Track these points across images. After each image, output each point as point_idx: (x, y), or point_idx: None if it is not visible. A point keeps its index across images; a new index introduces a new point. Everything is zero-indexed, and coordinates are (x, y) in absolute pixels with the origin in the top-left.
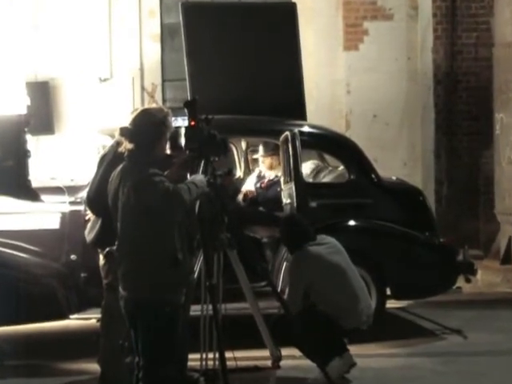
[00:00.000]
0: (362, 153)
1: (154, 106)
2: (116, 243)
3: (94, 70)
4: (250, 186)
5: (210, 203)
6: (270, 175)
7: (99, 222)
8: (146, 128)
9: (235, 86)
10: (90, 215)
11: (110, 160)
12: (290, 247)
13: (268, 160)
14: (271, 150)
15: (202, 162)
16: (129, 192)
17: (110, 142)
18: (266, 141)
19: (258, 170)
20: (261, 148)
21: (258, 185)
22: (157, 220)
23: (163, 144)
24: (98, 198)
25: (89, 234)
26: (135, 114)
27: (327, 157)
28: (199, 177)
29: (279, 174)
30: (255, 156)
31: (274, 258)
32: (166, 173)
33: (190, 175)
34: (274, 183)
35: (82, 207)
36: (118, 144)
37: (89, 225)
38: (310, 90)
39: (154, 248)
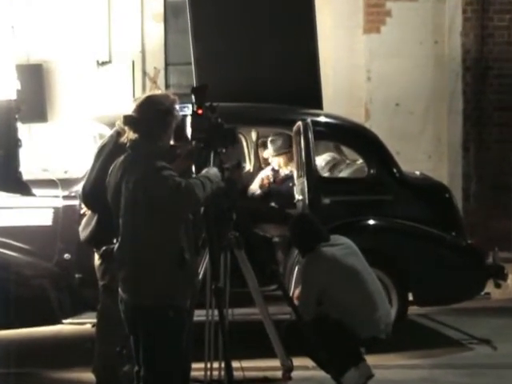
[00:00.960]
0: (383, 145)
1: (159, 92)
2: (116, 242)
3: (91, 52)
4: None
5: (216, 198)
6: (284, 172)
7: (95, 218)
8: (152, 116)
9: (245, 71)
10: (84, 210)
11: (109, 151)
12: (300, 249)
13: (278, 160)
14: (281, 149)
15: (211, 153)
16: (134, 187)
17: (107, 131)
18: (273, 139)
19: (270, 166)
20: (269, 146)
21: (272, 179)
22: (165, 218)
23: (169, 134)
24: (94, 192)
25: (83, 231)
26: (140, 100)
27: (345, 149)
28: (213, 170)
29: (292, 169)
30: (265, 155)
31: (286, 260)
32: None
33: (196, 169)
34: (288, 178)
35: (76, 202)
36: (118, 134)
37: (83, 221)
38: (327, 76)
39: (160, 248)
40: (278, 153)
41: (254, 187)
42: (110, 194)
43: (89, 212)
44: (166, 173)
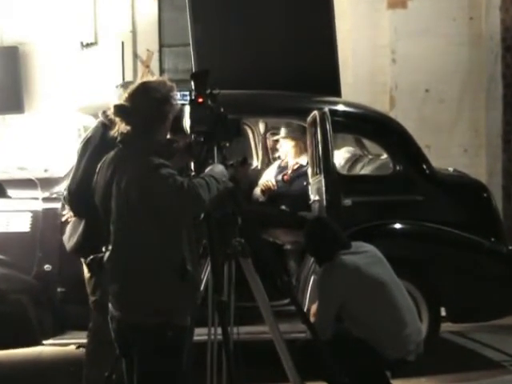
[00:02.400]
0: (411, 137)
1: (154, 78)
2: (106, 251)
3: (74, 33)
4: (269, 177)
5: (219, 200)
6: (293, 164)
7: (82, 224)
8: (147, 106)
9: (251, 54)
10: (67, 216)
11: (95, 146)
12: (317, 257)
13: (291, 143)
14: (295, 132)
15: (214, 148)
16: (128, 188)
17: (94, 124)
18: (288, 122)
19: (279, 160)
20: (283, 129)
21: (280, 177)
22: (164, 224)
23: (167, 126)
24: (81, 194)
25: (69, 240)
26: (133, 88)
27: (367, 143)
28: (219, 168)
29: (304, 162)
30: (276, 137)
31: (300, 270)
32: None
33: (196, 166)
34: (300, 175)
35: (58, 205)
36: (104, 125)
37: (68, 228)
38: (346, 58)
39: (158, 258)
40: (291, 135)
41: (258, 192)
42: (99, 195)
43: (72, 218)
44: (164, 171)
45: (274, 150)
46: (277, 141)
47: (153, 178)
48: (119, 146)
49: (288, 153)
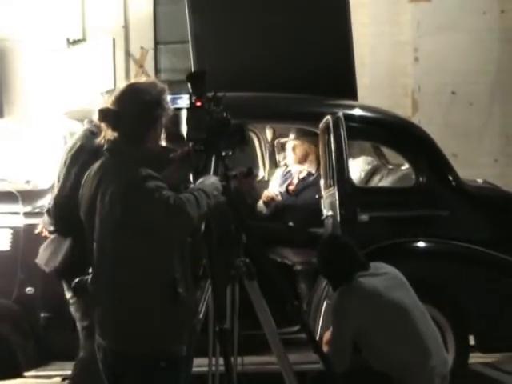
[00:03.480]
0: (436, 145)
1: (144, 79)
2: (90, 272)
3: (60, 28)
4: (273, 187)
5: (221, 216)
6: (298, 171)
7: (67, 243)
8: (136, 110)
9: (257, 52)
10: (43, 230)
11: (88, 155)
12: (332, 280)
13: (300, 147)
14: (305, 135)
15: (213, 157)
16: (111, 201)
17: (80, 131)
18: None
19: (282, 168)
20: (291, 133)
21: (284, 187)
22: (152, 242)
23: (158, 133)
24: (69, 209)
25: (50, 259)
26: (120, 90)
27: (386, 151)
28: (211, 180)
29: (313, 170)
30: (283, 140)
31: (311, 294)
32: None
33: (194, 176)
34: (309, 185)
35: (41, 220)
36: (94, 134)
37: (47, 245)
38: (363, 56)
39: (147, 280)
40: (300, 138)
41: (261, 206)
42: (83, 210)
43: (51, 234)
44: (151, 184)
45: (282, 155)
46: (284, 145)
47: (138, 192)
48: (106, 154)
49: (294, 158)
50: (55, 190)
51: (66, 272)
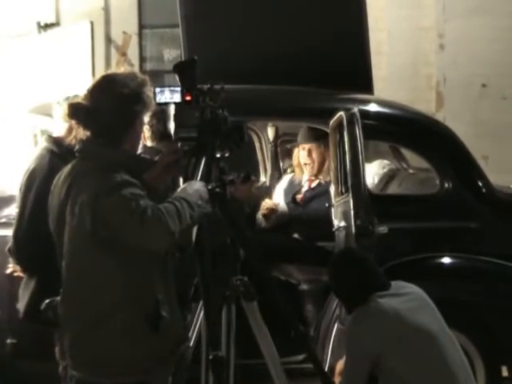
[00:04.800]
0: (463, 146)
1: (123, 69)
2: (60, 296)
3: (30, 11)
4: (278, 197)
5: (214, 227)
6: (310, 180)
7: (33, 282)
8: (112, 105)
9: (259, 39)
10: (14, 269)
11: (44, 176)
12: (345, 301)
13: (316, 151)
14: (318, 138)
15: (203, 160)
16: (81, 211)
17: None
18: (308, 125)
19: (290, 174)
20: (301, 133)
21: (290, 196)
22: (128, 259)
23: (138, 131)
24: (30, 245)
25: (21, 299)
26: (94, 82)
27: (406, 153)
28: (194, 186)
29: (328, 179)
30: (292, 145)
31: (320, 317)
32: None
33: (184, 181)
34: (319, 194)
35: (7, 232)
36: (52, 153)
37: (22, 284)
38: (380, 43)
39: (123, 301)
40: (312, 141)
41: (260, 216)
42: (52, 221)
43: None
44: (126, 192)
45: (286, 158)
46: (291, 149)
47: (111, 201)
48: (78, 156)
49: (310, 166)
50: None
51: (34, 316)
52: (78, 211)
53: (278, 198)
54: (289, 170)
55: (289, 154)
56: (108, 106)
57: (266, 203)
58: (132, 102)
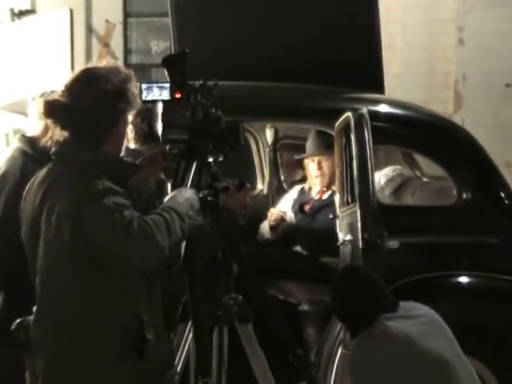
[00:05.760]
0: (484, 152)
1: (105, 62)
2: (33, 315)
3: None
4: (286, 207)
5: (205, 239)
6: (322, 192)
7: (1, 298)
8: (93, 102)
9: (257, 31)
10: None
11: (16, 180)
12: (349, 324)
13: (327, 163)
14: (328, 148)
15: (193, 164)
16: (59, 221)
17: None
18: (319, 129)
19: (300, 185)
20: (309, 143)
21: (297, 206)
22: (108, 274)
23: (121, 131)
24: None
25: None
26: (73, 77)
27: (420, 159)
28: (185, 195)
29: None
30: (301, 156)
31: (322, 341)
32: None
33: (172, 188)
34: (329, 204)
35: None
36: (26, 154)
37: None
38: (392, 36)
39: (102, 323)
40: (317, 151)
41: (265, 228)
42: (25, 229)
43: None
44: (109, 201)
45: (292, 170)
46: (300, 160)
47: (91, 211)
48: (54, 159)
49: (321, 179)
50: None
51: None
52: (55, 221)
53: (285, 208)
54: (297, 187)
55: (294, 165)
56: (88, 104)
57: (273, 213)
58: (115, 100)
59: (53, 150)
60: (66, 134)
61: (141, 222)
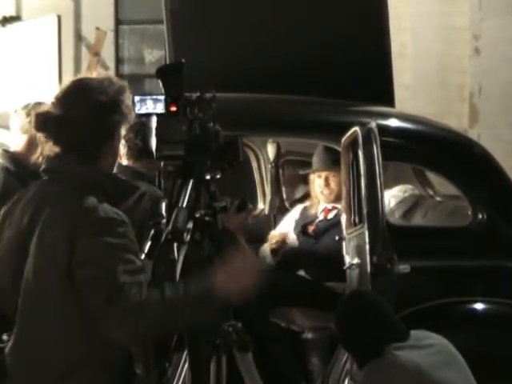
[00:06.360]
0: (501, 170)
1: (95, 73)
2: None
3: None
4: (287, 228)
5: (202, 263)
6: (327, 210)
7: None
8: (87, 115)
9: (258, 41)
10: None
11: None
12: (357, 354)
13: (334, 180)
14: (336, 164)
15: (190, 182)
16: (56, 242)
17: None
18: (325, 145)
19: (302, 205)
20: (316, 158)
21: (300, 228)
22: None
23: (116, 146)
24: None
25: None
26: (64, 88)
27: (433, 177)
28: (206, 285)
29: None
30: (306, 171)
31: (327, 372)
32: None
33: (168, 209)
34: (334, 225)
35: None
36: (8, 171)
37: None
38: (403, 45)
39: (86, 355)
40: (324, 166)
41: (266, 251)
42: (2, 256)
43: None
44: (115, 232)
45: (295, 187)
46: (303, 176)
47: (91, 245)
48: (44, 176)
49: (327, 194)
50: None
51: None
52: (49, 245)
53: (287, 229)
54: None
55: (296, 181)
56: (82, 116)
57: (274, 235)
58: (110, 112)
59: (43, 166)
60: (56, 149)
61: (136, 294)
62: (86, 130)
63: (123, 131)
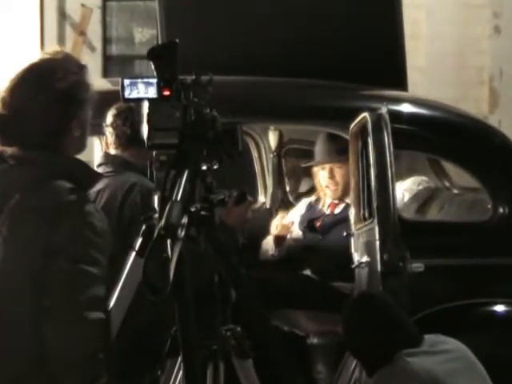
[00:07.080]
0: None
1: (51, 51)
2: None
3: None
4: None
5: (198, 262)
6: (334, 205)
7: None
8: (37, 100)
9: (259, 19)
10: None
11: None
12: (366, 360)
13: (340, 172)
14: (341, 154)
15: (185, 173)
16: (29, 236)
17: None
18: (330, 132)
19: (309, 198)
20: (318, 149)
21: (306, 222)
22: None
23: (75, 136)
24: None
25: None
26: (19, 72)
27: (449, 168)
28: None
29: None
30: (309, 164)
31: (334, 379)
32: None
33: (160, 203)
34: (342, 220)
35: None
36: None
37: None
38: (417, 24)
39: (62, 361)
40: (328, 157)
41: (269, 243)
42: None
43: None
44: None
45: (299, 179)
46: (308, 168)
47: (79, 243)
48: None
49: (333, 189)
50: None
51: None
52: (21, 237)
53: (288, 219)
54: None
55: (301, 173)
56: (34, 103)
57: (280, 222)
58: (72, 100)
59: (7, 153)
60: (9, 150)
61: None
62: (40, 120)
63: (109, 118)
